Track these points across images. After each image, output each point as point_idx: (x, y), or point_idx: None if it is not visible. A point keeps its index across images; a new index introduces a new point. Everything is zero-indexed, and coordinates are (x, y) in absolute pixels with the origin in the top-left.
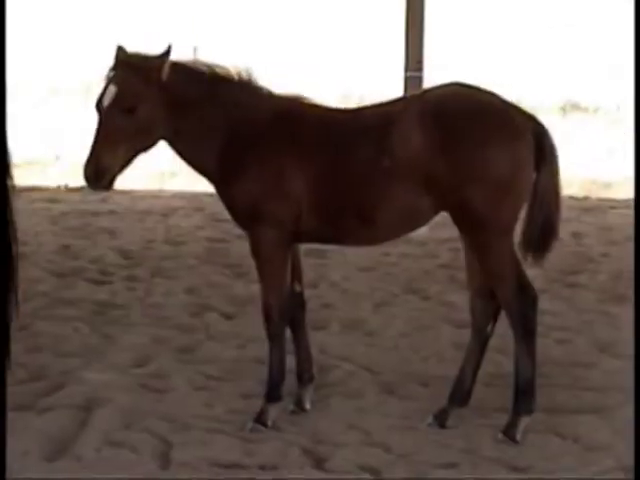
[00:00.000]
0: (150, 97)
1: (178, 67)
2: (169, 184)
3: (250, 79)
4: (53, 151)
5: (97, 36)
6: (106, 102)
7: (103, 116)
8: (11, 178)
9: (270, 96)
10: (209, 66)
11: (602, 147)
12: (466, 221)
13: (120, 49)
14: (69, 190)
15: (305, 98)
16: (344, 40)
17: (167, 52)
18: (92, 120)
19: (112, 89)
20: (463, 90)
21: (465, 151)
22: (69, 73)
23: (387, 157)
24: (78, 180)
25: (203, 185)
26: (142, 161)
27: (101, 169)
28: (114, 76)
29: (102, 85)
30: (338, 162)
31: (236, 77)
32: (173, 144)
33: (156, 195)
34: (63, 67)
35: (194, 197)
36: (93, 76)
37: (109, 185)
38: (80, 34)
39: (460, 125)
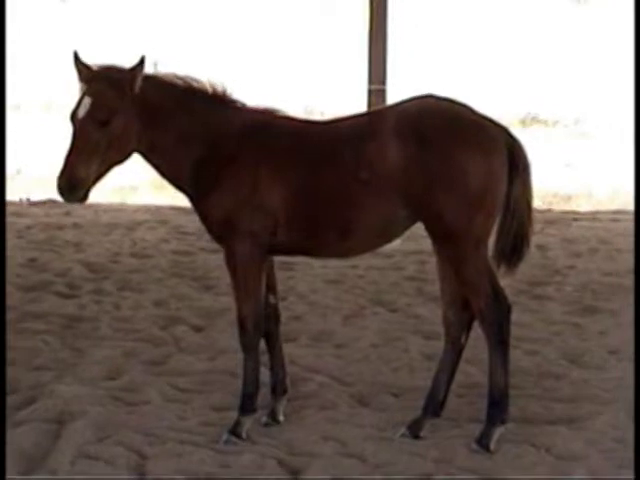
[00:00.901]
0: (124, 110)
1: (153, 80)
2: (130, 198)
3: (224, 92)
4: (14, 165)
5: (58, 53)
6: (81, 114)
7: (77, 128)
8: None
9: (244, 109)
10: (184, 79)
11: (561, 159)
12: (441, 233)
13: (76, 55)
14: (31, 204)
15: (279, 111)
16: (306, 54)
17: (140, 64)
18: (53, 136)
19: (87, 101)
20: (438, 103)
21: (440, 163)
22: (30, 90)
23: (364, 169)
24: (40, 194)
25: (165, 198)
26: None
27: (75, 181)
28: (89, 88)
29: (77, 97)
30: (314, 175)
31: (210, 90)
32: (148, 157)
33: (119, 209)
34: (24, 84)
35: (157, 210)
36: (54, 93)
37: (84, 197)
38: (41, 51)
39: (436, 138)
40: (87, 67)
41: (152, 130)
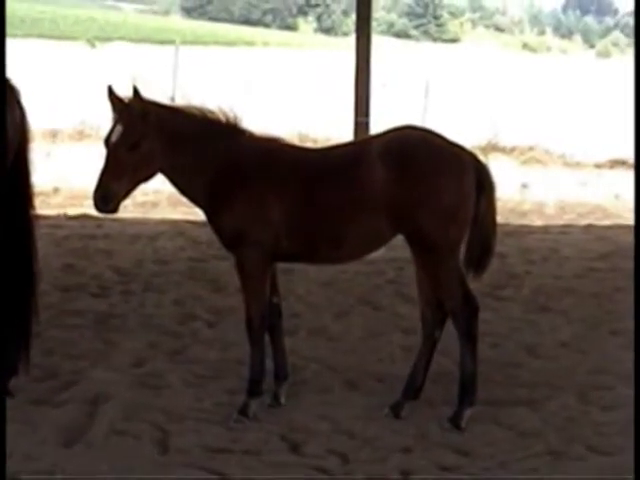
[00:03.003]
0: (150, 136)
1: (175, 111)
2: (151, 213)
3: (236, 122)
4: (52, 184)
5: (87, 89)
6: (113, 139)
7: (110, 151)
8: (33, 208)
9: (253, 137)
10: (201, 110)
11: (518, 181)
12: (420, 243)
13: (110, 89)
14: (68, 218)
15: (282, 139)
16: (302, 90)
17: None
18: (85, 159)
19: (118, 128)
20: (417, 133)
21: (419, 184)
22: (64, 120)
23: (354, 189)
24: (76, 209)
25: (180, 214)
26: None
27: (108, 195)
28: (120, 117)
29: (110, 125)
30: (311, 194)
31: (223, 120)
32: (169, 177)
33: (143, 222)
34: (59, 115)
35: (175, 223)
36: (85, 122)
37: (115, 209)
38: (74, 88)
39: (415, 162)
40: (119, 99)
41: (173, 154)
